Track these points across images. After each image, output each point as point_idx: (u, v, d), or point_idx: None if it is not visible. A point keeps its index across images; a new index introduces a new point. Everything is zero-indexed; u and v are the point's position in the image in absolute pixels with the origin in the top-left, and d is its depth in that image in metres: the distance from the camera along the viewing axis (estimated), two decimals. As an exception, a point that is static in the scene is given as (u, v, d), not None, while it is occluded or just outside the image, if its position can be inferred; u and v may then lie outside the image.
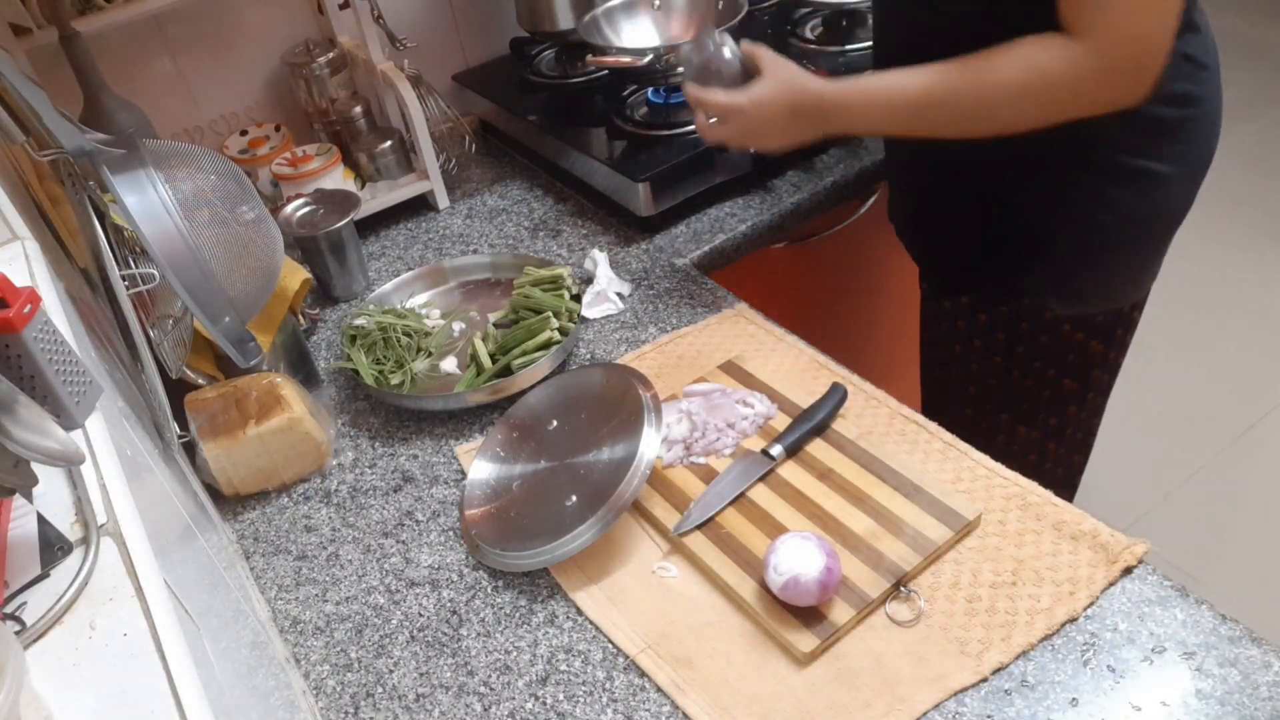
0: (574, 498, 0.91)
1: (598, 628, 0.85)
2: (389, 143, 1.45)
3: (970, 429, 1.19)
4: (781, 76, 1.02)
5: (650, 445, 0.90)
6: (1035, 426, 1.18)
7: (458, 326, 1.23)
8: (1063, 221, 1.02)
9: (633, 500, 0.88)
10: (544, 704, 0.80)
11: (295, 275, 1.20)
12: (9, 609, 0.50)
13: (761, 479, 0.93)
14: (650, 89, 1.43)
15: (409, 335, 1.18)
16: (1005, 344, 1.12)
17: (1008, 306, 1.09)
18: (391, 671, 0.86)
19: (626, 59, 1.32)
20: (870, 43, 1.44)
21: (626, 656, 0.82)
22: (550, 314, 1.13)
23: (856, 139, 1.41)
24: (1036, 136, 0.92)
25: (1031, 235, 1.04)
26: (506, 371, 1.10)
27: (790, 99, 1.00)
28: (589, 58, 1.42)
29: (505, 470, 0.99)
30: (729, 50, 1.07)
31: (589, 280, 1.24)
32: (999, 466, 0.91)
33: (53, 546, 0.53)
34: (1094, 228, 1.02)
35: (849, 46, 1.46)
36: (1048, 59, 0.86)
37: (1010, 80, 0.88)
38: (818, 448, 0.95)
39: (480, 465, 1.01)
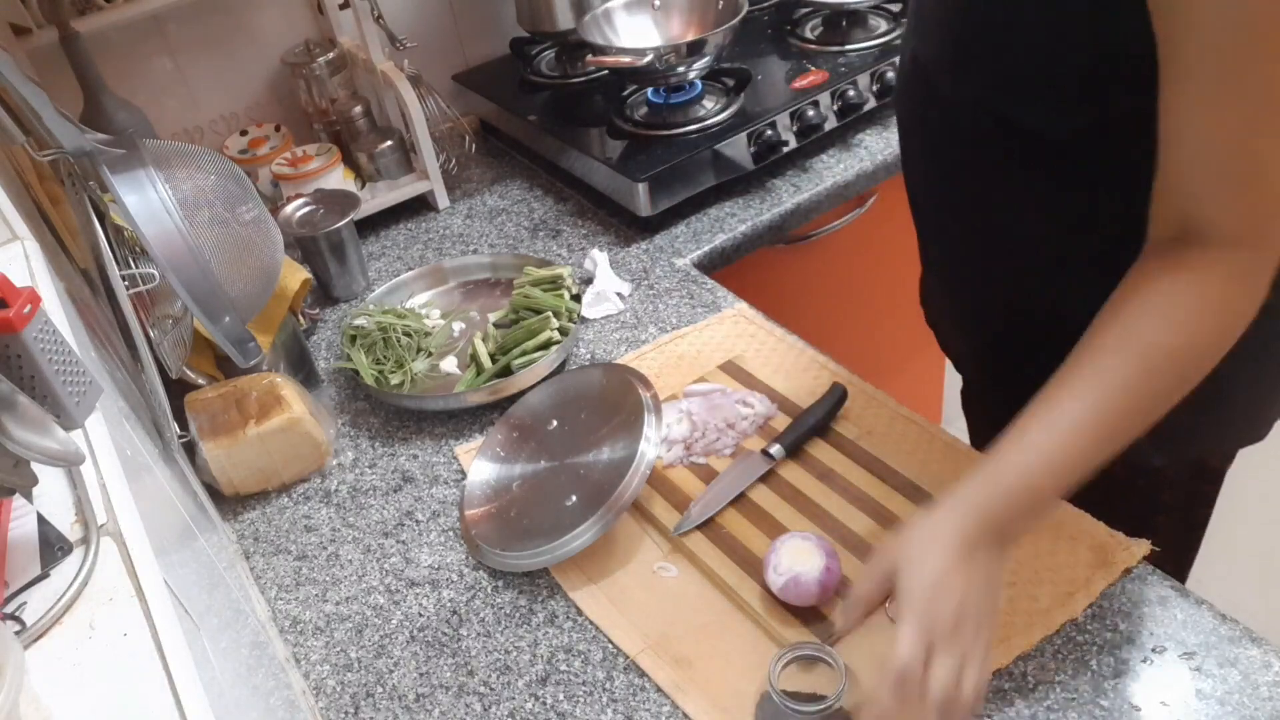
0: (574, 497, 0.91)
1: (598, 628, 0.85)
2: (389, 143, 1.45)
3: None
4: (911, 534, 0.68)
5: (650, 445, 0.90)
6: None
7: (458, 326, 1.23)
8: None
9: (633, 500, 0.88)
10: (544, 704, 0.80)
11: (295, 275, 1.20)
12: (9, 609, 0.50)
13: (761, 479, 0.93)
14: (650, 89, 1.43)
15: (409, 335, 1.18)
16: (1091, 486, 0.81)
17: None
18: (391, 671, 0.86)
19: (626, 59, 1.32)
20: (864, 44, 1.45)
21: (626, 656, 0.82)
22: (550, 314, 1.13)
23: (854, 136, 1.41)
24: (1124, 268, 0.73)
25: None
26: (506, 371, 1.10)
27: (954, 538, 0.66)
28: (589, 58, 1.42)
29: (505, 470, 0.99)
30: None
31: (589, 280, 1.24)
32: (999, 467, 0.90)
33: (53, 546, 0.53)
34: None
35: (849, 46, 1.46)
36: (1222, 298, 0.66)
37: (1207, 346, 0.67)
38: (818, 448, 0.95)
39: (480, 465, 1.01)
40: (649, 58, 1.28)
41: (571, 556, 0.88)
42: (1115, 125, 0.71)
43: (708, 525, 0.90)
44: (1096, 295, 0.77)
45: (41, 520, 0.53)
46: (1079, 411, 0.67)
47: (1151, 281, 0.68)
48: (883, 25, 1.49)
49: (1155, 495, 0.88)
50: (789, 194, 1.34)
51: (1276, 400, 0.90)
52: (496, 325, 1.20)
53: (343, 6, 1.43)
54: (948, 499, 0.68)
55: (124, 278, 0.85)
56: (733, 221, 1.32)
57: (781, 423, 0.98)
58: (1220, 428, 0.88)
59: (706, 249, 1.28)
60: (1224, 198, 0.64)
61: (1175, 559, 1.00)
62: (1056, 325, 0.83)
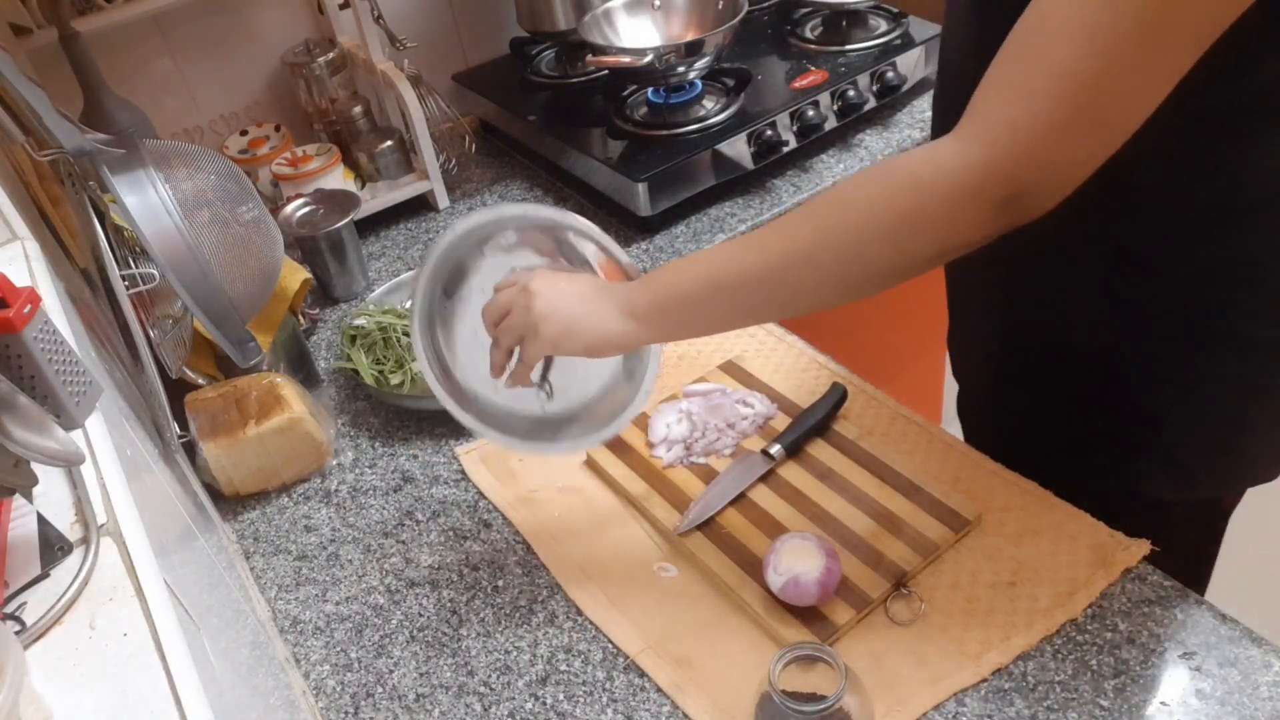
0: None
1: (598, 628, 0.85)
2: (389, 143, 1.45)
3: None
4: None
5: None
6: None
7: (458, 326, 1.23)
8: (1174, 402, 0.82)
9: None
10: (544, 704, 0.80)
11: (295, 275, 1.20)
12: (9, 609, 0.50)
13: (761, 479, 0.93)
14: (650, 89, 1.43)
15: (409, 335, 1.18)
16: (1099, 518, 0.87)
17: (1106, 486, 0.87)
18: (391, 671, 0.86)
19: (626, 59, 1.32)
20: (864, 44, 1.45)
21: (626, 656, 0.82)
22: (550, 314, 1.13)
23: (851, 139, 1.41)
24: (1145, 306, 0.76)
25: (1138, 416, 0.84)
26: (506, 371, 1.10)
27: (585, 277, 0.80)
28: (589, 58, 1.42)
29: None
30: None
31: (589, 280, 1.24)
32: (999, 467, 0.91)
33: (53, 546, 0.53)
34: (1214, 408, 0.82)
35: (849, 47, 1.46)
36: (934, 163, 0.63)
37: (892, 200, 0.64)
38: (818, 448, 0.95)
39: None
40: (649, 58, 1.28)
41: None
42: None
43: (708, 525, 0.90)
44: (1099, 321, 0.79)
45: (41, 520, 0.53)
46: (730, 244, 0.72)
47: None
48: (883, 25, 1.49)
49: (1165, 534, 0.85)
50: (789, 194, 1.34)
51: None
52: (496, 325, 1.20)
53: (343, 6, 1.43)
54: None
55: (124, 278, 0.85)
56: (733, 221, 1.32)
57: (781, 423, 0.98)
58: (1237, 469, 0.88)
59: (706, 249, 1.28)
60: (977, 97, 0.62)
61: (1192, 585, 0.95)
62: (1055, 350, 0.86)
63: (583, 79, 1.55)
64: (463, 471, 1.03)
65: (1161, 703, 0.71)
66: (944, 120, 0.84)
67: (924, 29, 1.45)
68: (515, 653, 0.85)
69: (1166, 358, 0.80)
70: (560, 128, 1.45)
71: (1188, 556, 0.93)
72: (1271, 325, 0.77)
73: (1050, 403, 0.90)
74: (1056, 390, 0.88)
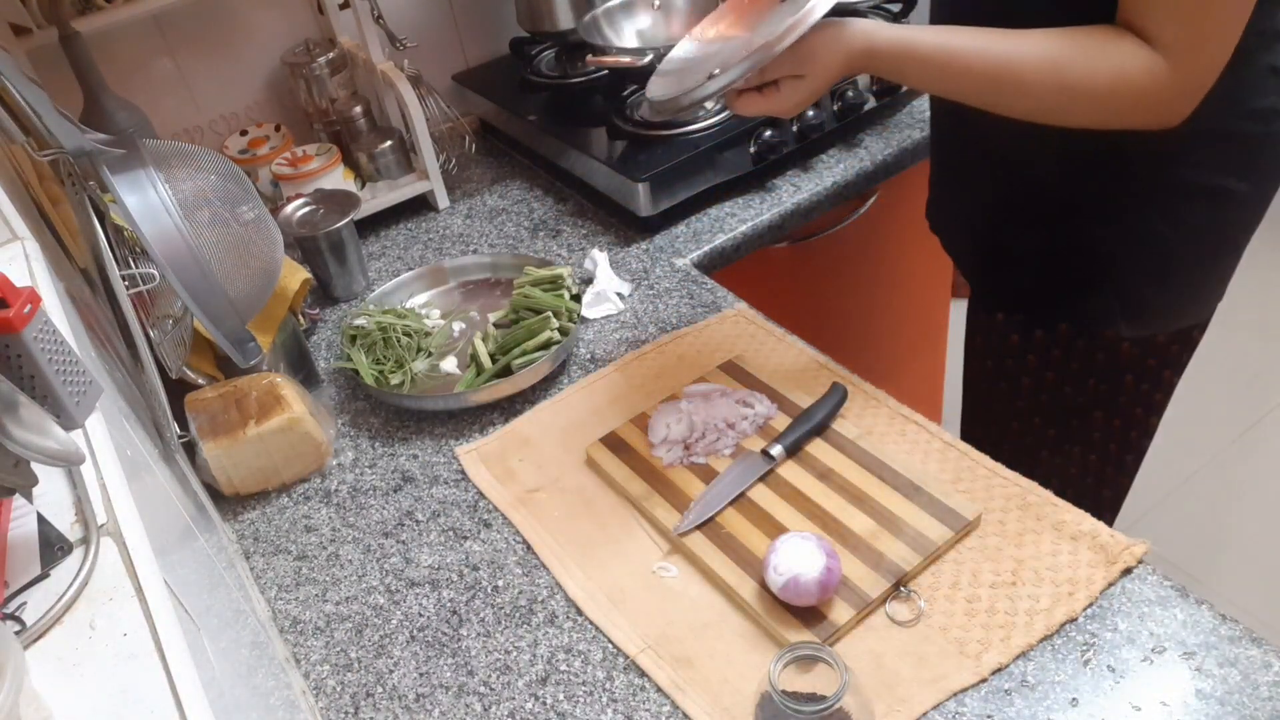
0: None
1: (598, 628, 0.85)
2: (389, 143, 1.45)
3: (1016, 444, 1.15)
4: (827, 30, 0.88)
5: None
6: (1086, 445, 1.13)
7: (458, 326, 1.23)
8: (1131, 242, 0.96)
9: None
10: (544, 704, 0.80)
11: (295, 275, 1.20)
12: (9, 609, 0.50)
13: (761, 479, 0.93)
14: (650, 89, 1.43)
15: (409, 335, 1.18)
16: (1060, 360, 1.07)
17: (1067, 324, 1.04)
18: (391, 671, 0.86)
19: (626, 59, 1.32)
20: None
21: (626, 656, 0.82)
22: (550, 314, 1.13)
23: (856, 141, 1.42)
24: (1105, 154, 0.89)
25: (1097, 255, 0.99)
26: (506, 371, 1.10)
27: (843, 52, 0.88)
28: (589, 58, 1.42)
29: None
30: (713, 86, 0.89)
31: (589, 280, 1.24)
32: (999, 466, 0.91)
33: (53, 546, 0.53)
34: (1165, 248, 0.96)
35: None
36: (1137, 69, 0.78)
37: (1096, 83, 0.80)
38: (818, 448, 0.95)
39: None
40: (649, 57, 1.28)
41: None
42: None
43: (708, 525, 0.90)
44: (1097, 188, 0.94)
45: (41, 520, 0.53)
46: (973, 41, 0.84)
47: (1102, 26, 0.81)
48: (883, 25, 1.48)
49: (1118, 374, 1.05)
50: (789, 194, 1.34)
51: (1218, 280, 1.01)
52: (496, 325, 1.20)
53: (343, 6, 1.43)
54: (861, 28, 0.88)
55: (124, 278, 0.85)
56: (733, 221, 1.32)
57: (781, 423, 0.98)
58: (1168, 299, 1.00)
59: (706, 249, 1.28)
60: (1158, 15, 0.77)
61: (1134, 440, 1.13)
62: (1058, 217, 0.99)
63: (583, 79, 1.55)
64: (463, 471, 1.03)
65: (1162, 703, 0.71)
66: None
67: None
68: (515, 653, 0.85)
69: (1120, 203, 0.95)
70: (560, 128, 1.45)
71: (1137, 404, 1.09)
72: (1208, 171, 0.91)
73: (1024, 255, 1.05)
74: (1030, 242, 1.03)
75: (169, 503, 0.75)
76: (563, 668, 0.83)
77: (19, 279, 0.55)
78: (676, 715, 0.77)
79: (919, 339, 1.78)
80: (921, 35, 0.87)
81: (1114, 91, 0.80)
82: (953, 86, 0.88)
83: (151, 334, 0.91)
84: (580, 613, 0.87)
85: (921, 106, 1.46)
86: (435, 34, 1.61)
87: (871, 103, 1.40)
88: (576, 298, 1.18)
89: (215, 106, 1.49)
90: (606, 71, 1.51)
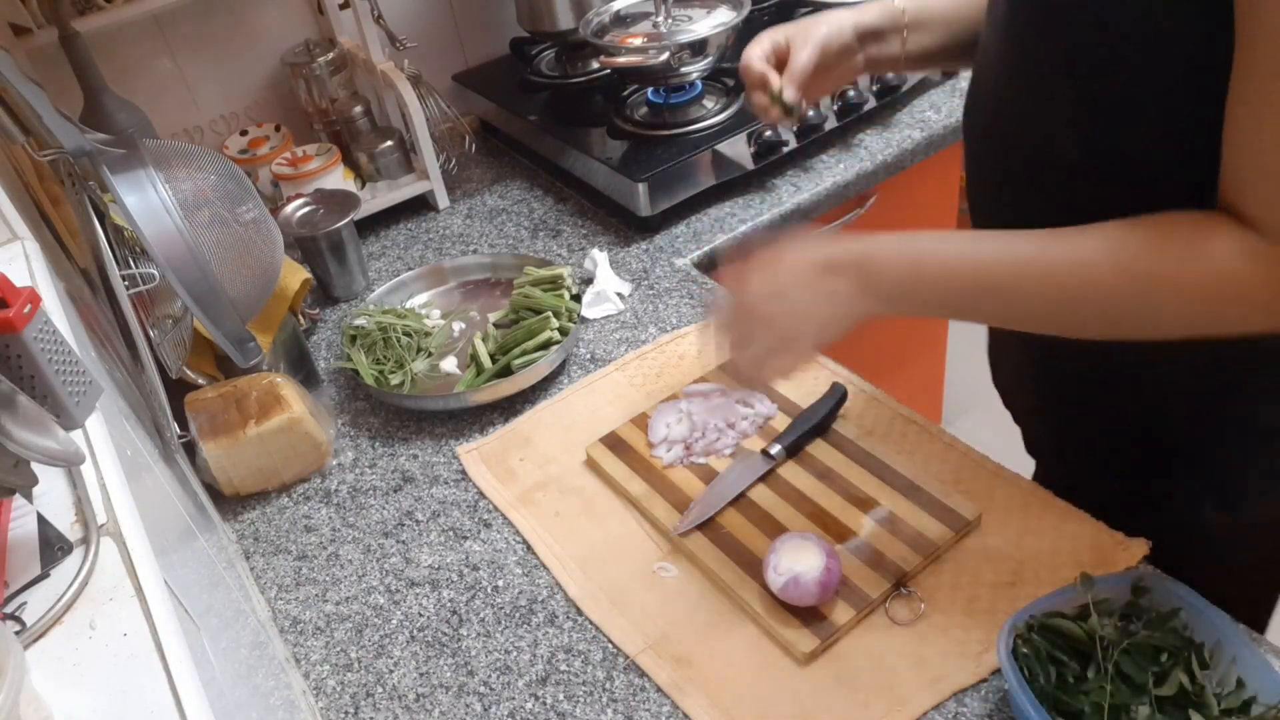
0: None
1: (598, 628, 0.85)
2: (389, 143, 1.45)
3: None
4: (798, 242, 0.74)
5: None
6: None
7: (458, 326, 1.23)
8: (1223, 426, 0.80)
9: None
10: (544, 704, 0.80)
11: (295, 275, 1.20)
12: (9, 609, 0.50)
13: (761, 479, 0.93)
14: (650, 89, 1.43)
15: (409, 335, 1.18)
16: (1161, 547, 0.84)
17: (1150, 510, 0.86)
18: (391, 671, 0.86)
19: (636, 59, 1.31)
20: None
21: (626, 656, 0.82)
22: (550, 314, 1.13)
23: (854, 139, 1.41)
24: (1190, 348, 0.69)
25: (1186, 437, 0.83)
26: (506, 371, 1.10)
27: (822, 254, 0.72)
28: (602, 58, 1.42)
29: None
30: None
31: (589, 280, 1.24)
32: (999, 466, 0.91)
33: (53, 546, 0.53)
34: (1263, 431, 0.80)
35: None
36: (1239, 258, 0.61)
37: (1186, 279, 0.62)
38: (818, 448, 0.95)
39: None
40: (665, 56, 1.27)
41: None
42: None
43: (708, 525, 0.90)
44: (1179, 359, 0.75)
45: (41, 520, 0.53)
46: (1001, 242, 0.67)
47: (1185, 214, 0.64)
48: (883, 25, 1.48)
49: (1214, 559, 0.85)
50: (789, 194, 1.34)
51: None
52: (496, 325, 1.20)
53: (343, 6, 1.43)
54: (837, 237, 0.72)
55: (124, 278, 0.85)
56: (733, 221, 1.32)
57: (781, 423, 0.98)
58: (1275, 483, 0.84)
59: (706, 249, 1.28)
60: (1267, 196, 0.61)
61: (1255, 617, 0.93)
62: (1131, 390, 0.83)
63: (583, 79, 1.55)
64: (463, 471, 1.03)
65: (1161, 703, 0.71)
66: (974, 136, 0.84)
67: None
68: (515, 653, 0.85)
69: (1217, 383, 0.78)
70: (560, 128, 1.45)
71: (1256, 583, 0.92)
72: None
73: (1100, 417, 0.87)
74: (1109, 407, 0.86)
75: (169, 503, 0.75)
76: (563, 668, 0.83)
77: (19, 279, 0.55)
78: (676, 715, 0.77)
79: (919, 339, 1.78)
80: (934, 247, 0.70)
81: (1213, 288, 0.62)
82: (993, 308, 0.69)
83: (151, 334, 0.91)
84: (580, 613, 0.87)
85: (922, 107, 1.46)
86: (435, 34, 1.61)
87: (871, 103, 1.40)
88: (576, 298, 1.18)
89: (215, 106, 1.49)
90: (607, 71, 1.51)
